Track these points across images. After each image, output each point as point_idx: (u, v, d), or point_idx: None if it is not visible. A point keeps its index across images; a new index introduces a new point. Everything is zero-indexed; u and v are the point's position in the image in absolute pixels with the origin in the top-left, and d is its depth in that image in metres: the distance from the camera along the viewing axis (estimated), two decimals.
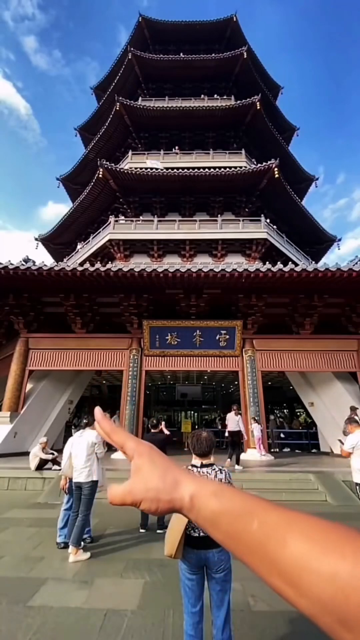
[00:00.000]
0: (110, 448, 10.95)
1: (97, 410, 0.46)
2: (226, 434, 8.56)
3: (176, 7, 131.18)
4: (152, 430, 5.03)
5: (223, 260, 16.05)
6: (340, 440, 4.59)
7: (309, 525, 0.29)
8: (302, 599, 0.28)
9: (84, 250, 18.20)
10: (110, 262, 13.89)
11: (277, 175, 16.45)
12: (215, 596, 1.96)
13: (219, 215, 17.43)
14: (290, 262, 10.56)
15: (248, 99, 18.56)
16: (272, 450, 11.98)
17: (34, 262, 9.51)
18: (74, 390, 12.58)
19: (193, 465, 2.15)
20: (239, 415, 8.52)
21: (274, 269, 9.20)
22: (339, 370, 10.82)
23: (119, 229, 16.58)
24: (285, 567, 0.28)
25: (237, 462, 7.88)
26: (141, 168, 17.25)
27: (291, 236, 19.65)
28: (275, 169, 16.25)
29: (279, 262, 10.23)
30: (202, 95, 21.24)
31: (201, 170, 16.56)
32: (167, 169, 16.83)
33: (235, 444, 8.18)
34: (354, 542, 0.27)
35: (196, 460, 2.15)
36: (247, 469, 7.91)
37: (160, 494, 0.35)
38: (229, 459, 8.03)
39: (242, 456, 8.41)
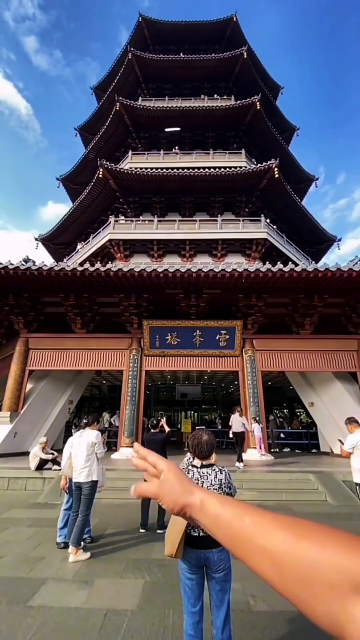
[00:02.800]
0: (110, 448, 10.98)
1: (136, 445, 0.59)
2: (230, 435, 8.76)
3: (177, 7, 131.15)
4: (152, 430, 5.03)
5: (223, 260, 16.05)
6: (340, 440, 4.58)
7: (290, 522, 0.38)
8: (283, 576, 0.35)
9: (84, 250, 18.20)
10: (110, 262, 13.89)
11: (277, 175, 16.45)
12: (215, 596, 1.96)
13: (219, 215, 17.42)
14: (290, 262, 10.56)
15: (248, 99, 18.55)
16: (272, 450, 11.98)
17: (34, 262, 9.51)
18: (74, 390, 12.57)
19: (193, 466, 2.15)
20: (244, 417, 8.72)
21: (274, 269, 9.20)
22: (339, 370, 10.82)
23: (119, 229, 16.57)
24: (271, 552, 0.36)
25: (240, 459, 8.21)
26: (141, 168, 17.25)
27: (291, 236, 19.65)
28: (275, 169, 16.25)
29: (279, 262, 10.23)
30: (202, 95, 21.23)
31: (201, 170, 16.56)
32: (167, 168, 16.82)
33: (239, 444, 8.50)
34: (322, 532, 0.35)
35: (197, 461, 2.16)
36: (247, 468, 7.92)
37: (180, 497, 0.47)
38: (241, 461, 8.36)
39: (242, 456, 8.58)
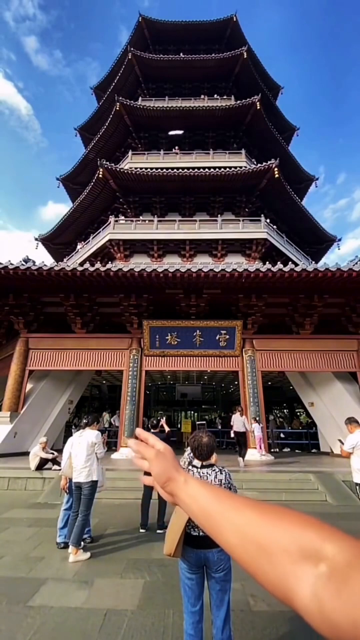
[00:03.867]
0: (110, 448, 10.98)
1: (138, 430, 0.65)
2: (232, 434, 8.93)
3: (177, 7, 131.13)
4: (152, 430, 5.03)
5: (223, 260, 16.05)
6: (340, 440, 4.58)
7: (256, 503, 0.44)
8: (246, 545, 0.40)
9: (84, 250, 18.20)
10: (110, 262, 13.89)
11: (277, 175, 16.45)
12: (215, 596, 1.96)
13: (219, 215, 17.43)
14: (290, 262, 10.56)
15: (248, 99, 18.56)
16: (272, 450, 11.98)
17: (34, 262, 9.51)
18: (74, 390, 12.57)
19: (193, 466, 2.16)
20: (245, 416, 8.89)
21: (274, 269, 9.20)
22: (339, 370, 10.82)
23: (119, 229, 16.57)
24: (238, 525, 0.42)
25: (242, 457, 8.47)
26: (141, 168, 17.25)
27: (291, 236, 19.65)
28: (275, 169, 16.25)
29: (279, 262, 10.23)
30: (202, 95, 21.23)
31: (201, 170, 16.56)
32: (167, 168, 16.82)
33: (241, 443, 8.68)
34: (282, 511, 0.41)
35: (197, 461, 2.16)
36: (247, 468, 7.92)
37: (168, 470, 0.55)
38: (241, 460, 8.54)
39: (246, 455, 8.82)
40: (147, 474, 0.61)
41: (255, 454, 9.52)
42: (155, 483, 0.56)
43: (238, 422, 8.61)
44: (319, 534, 0.36)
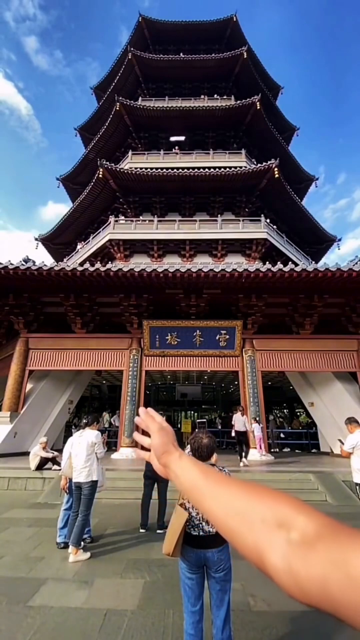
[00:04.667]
0: (110, 448, 10.98)
1: (142, 409, 0.69)
2: (233, 434, 9.02)
3: (177, 8, 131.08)
4: None
5: (223, 260, 16.05)
6: (340, 440, 4.58)
7: (240, 481, 0.50)
8: (228, 513, 0.45)
9: (84, 250, 18.20)
10: (110, 262, 13.89)
11: (277, 175, 16.45)
12: (215, 596, 1.96)
13: (219, 215, 17.43)
14: (290, 262, 10.56)
15: (248, 99, 18.56)
16: (272, 450, 11.98)
17: (34, 262, 9.51)
18: (74, 390, 12.57)
19: None
20: (245, 416, 8.95)
21: (274, 269, 9.20)
22: (339, 370, 10.82)
23: (119, 229, 16.57)
24: (223, 496, 0.47)
25: (245, 456, 8.61)
26: (141, 168, 17.25)
27: (291, 236, 19.65)
28: (275, 169, 16.25)
29: (279, 262, 10.23)
30: (202, 95, 21.23)
31: (201, 170, 16.56)
32: (167, 168, 16.83)
33: (242, 443, 8.76)
34: (263, 488, 0.47)
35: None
36: (247, 468, 7.92)
37: (168, 445, 0.60)
38: (241, 459, 8.59)
39: (248, 454, 8.98)
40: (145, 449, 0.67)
41: (255, 454, 9.52)
42: (152, 455, 0.62)
43: (239, 422, 8.70)
44: (293, 508, 0.41)
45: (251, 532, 0.41)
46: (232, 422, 8.97)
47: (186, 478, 0.54)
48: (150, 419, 0.65)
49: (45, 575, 3.18)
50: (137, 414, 0.71)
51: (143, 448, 0.66)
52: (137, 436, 0.70)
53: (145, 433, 0.67)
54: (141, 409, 0.68)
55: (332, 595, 0.32)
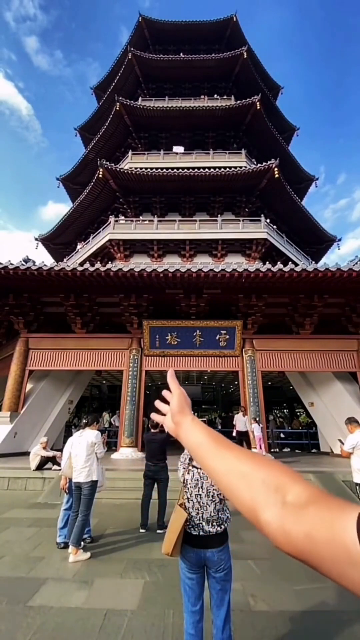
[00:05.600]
0: (110, 448, 10.98)
1: (170, 372, 0.75)
2: (234, 434, 8.92)
3: (177, 8, 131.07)
4: (152, 430, 5.03)
5: (223, 260, 16.05)
6: (340, 440, 4.58)
7: (246, 449, 0.55)
8: (230, 474, 0.50)
9: (84, 250, 18.20)
10: (110, 262, 13.89)
11: (277, 175, 16.45)
12: (216, 595, 1.96)
13: (219, 215, 17.42)
14: (290, 262, 10.56)
15: (248, 99, 18.56)
16: (272, 450, 11.98)
17: (34, 262, 9.50)
18: (74, 390, 12.57)
19: (194, 466, 2.15)
20: (247, 416, 8.94)
21: (274, 269, 9.20)
22: (339, 370, 10.82)
23: (119, 229, 16.57)
24: (228, 458, 0.52)
25: None
26: (141, 168, 17.25)
27: (291, 236, 19.65)
28: (275, 169, 16.25)
29: (279, 262, 10.23)
30: (202, 95, 21.23)
31: (201, 170, 16.56)
32: (167, 168, 16.82)
33: (243, 443, 8.82)
34: (264, 457, 0.53)
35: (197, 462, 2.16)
36: None
37: (184, 408, 0.66)
38: None
39: None
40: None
41: None
42: (166, 418, 0.69)
43: (240, 422, 8.72)
44: (291, 478, 0.47)
45: (250, 489, 0.47)
46: (234, 423, 9.00)
47: (194, 437, 0.59)
48: (175, 382, 0.71)
49: (45, 575, 3.18)
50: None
51: (159, 413, 0.74)
52: (158, 403, 0.76)
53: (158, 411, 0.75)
54: (169, 372, 0.74)
55: (316, 549, 0.37)
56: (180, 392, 0.69)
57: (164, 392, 0.74)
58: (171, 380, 0.72)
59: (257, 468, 0.49)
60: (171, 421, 0.67)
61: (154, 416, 0.77)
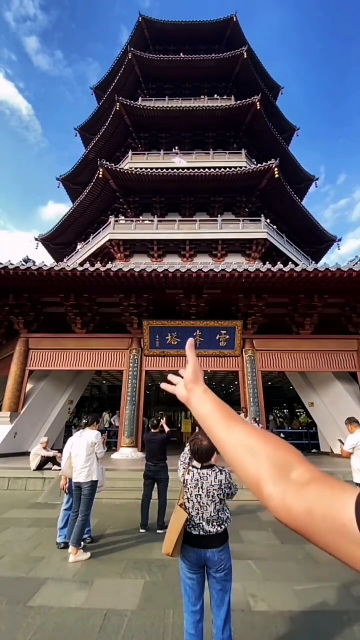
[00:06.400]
0: (110, 448, 10.98)
1: (189, 341, 0.74)
2: None
3: (177, 8, 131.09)
4: (152, 430, 5.03)
5: (223, 260, 16.05)
6: (340, 440, 4.58)
7: (254, 427, 0.55)
8: (239, 445, 0.51)
9: (84, 250, 18.20)
10: (110, 262, 13.88)
11: (277, 175, 16.45)
12: (216, 595, 1.96)
13: (219, 215, 17.42)
14: (290, 262, 10.56)
15: (248, 99, 18.56)
16: None
17: (34, 262, 9.50)
18: (74, 390, 12.57)
19: (193, 466, 2.16)
20: (248, 417, 8.93)
21: (274, 269, 9.20)
22: (339, 370, 10.82)
23: (119, 229, 16.57)
24: (237, 431, 0.53)
25: None
26: (141, 168, 17.25)
27: (291, 236, 19.65)
28: (275, 169, 16.24)
29: (279, 262, 10.23)
30: (202, 95, 21.23)
31: (201, 170, 16.55)
32: (167, 168, 16.82)
33: None
34: (273, 435, 0.53)
35: (197, 462, 2.16)
36: None
37: (198, 376, 0.67)
38: None
39: None
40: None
41: None
42: (177, 387, 0.71)
43: None
44: (297, 458, 0.49)
45: (256, 463, 0.48)
46: None
47: (205, 406, 0.61)
48: (193, 352, 0.72)
49: (45, 575, 3.18)
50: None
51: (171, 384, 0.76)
52: (171, 376, 0.80)
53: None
54: (188, 341, 0.74)
55: (315, 524, 0.39)
56: (196, 361, 0.70)
57: (189, 342, 0.76)
58: (189, 349, 0.72)
59: (264, 444, 0.50)
60: (183, 389, 0.68)
61: (164, 385, 0.78)
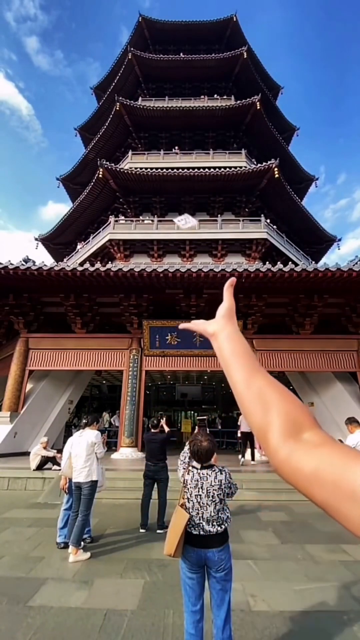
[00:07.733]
0: (110, 448, 10.98)
1: (230, 281, 0.70)
2: (238, 434, 9.34)
3: (177, 8, 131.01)
4: (152, 430, 5.03)
5: (223, 260, 16.05)
6: (340, 440, 4.57)
7: (276, 381, 0.52)
8: (254, 394, 0.50)
9: (84, 250, 18.20)
10: (110, 262, 13.88)
11: (277, 175, 16.45)
12: (216, 595, 1.96)
13: (219, 215, 17.43)
14: (290, 262, 10.56)
15: (248, 99, 18.56)
16: None
17: (34, 262, 9.50)
18: (74, 390, 12.56)
19: (193, 467, 2.16)
20: None
21: (274, 269, 9.20)
22: (339, 370, 10.82)
23: (119, 229, 16.57)
24: (256, 379, 0.51)
25: (252, 457, 8.84)
26: (141, 168, 17.25)
27: (291, 236, 19.66)
28: (275, 169, 16.25)
29: (279, 262, 10.23)
30: (202, 95, 21.23)
31: (201, 170, 16.56)
32: (167, 168, 16.83)
33: (247, 443, 9.04)
34: (292, 395, 0.49)
35: (196, 462, 2.16)
36: (247, 468, 7.92)
37: (232, 314, 0.64)
38: (242, 457, 8.84)
39: (253, 454, 9.17)
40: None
41: (255, 454, 9.53)
42: (194, 324, 0.70)
43: (245, 423, 8.89)
44: (312, 421, 0.47)
45: (270, 413, 0.47)
46: (238, 423, 9.19)
47: (233, 345, 0.58)
48: (230, 293, 0.69)
49: (45, 575, 3.18)
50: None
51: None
52: (182, 325, 0.77)
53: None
54: (229, 280, 0.71)
55: (320, 484, 0.38)
56: (233, 302, 0.68)
57: (228, 283, 0.74)
58: (227, 289, 0.69)
59: (284, 400, 0.49)
60: (211, 324, 0.65)
61: (184, 325, 0.75)
